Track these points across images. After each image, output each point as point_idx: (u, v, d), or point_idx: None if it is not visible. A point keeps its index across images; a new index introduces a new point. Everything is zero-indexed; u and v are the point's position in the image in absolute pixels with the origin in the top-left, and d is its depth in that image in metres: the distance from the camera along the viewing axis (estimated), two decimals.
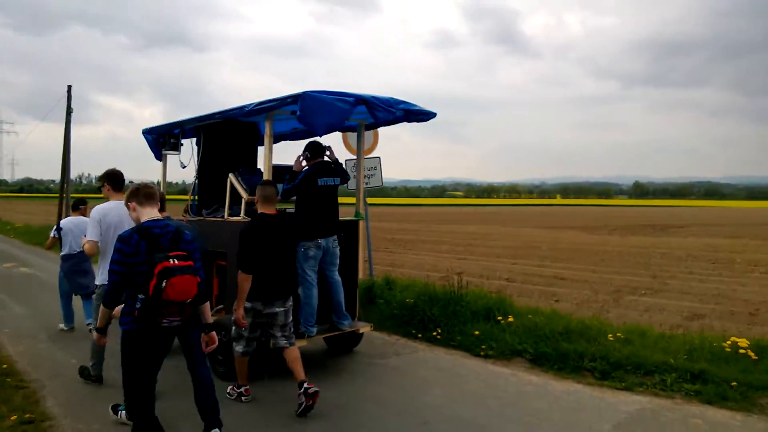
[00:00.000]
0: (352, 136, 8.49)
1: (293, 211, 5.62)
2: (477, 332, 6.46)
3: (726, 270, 14.38)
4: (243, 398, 4.75)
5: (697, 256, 17.72)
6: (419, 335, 6.78)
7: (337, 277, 5.65)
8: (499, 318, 6.82)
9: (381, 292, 8.16)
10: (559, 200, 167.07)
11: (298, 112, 4.86)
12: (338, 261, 5.62)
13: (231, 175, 5.84)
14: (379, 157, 8.78)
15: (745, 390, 4.84)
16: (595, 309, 8.75)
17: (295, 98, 4.88)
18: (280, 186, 5.43)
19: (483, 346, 6.19)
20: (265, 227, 4.62)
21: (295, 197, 5.51)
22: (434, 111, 5.84)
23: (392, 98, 5.44)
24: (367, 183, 8.73)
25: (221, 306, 5.58)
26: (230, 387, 4.85)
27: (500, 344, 6.16)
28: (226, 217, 5.87)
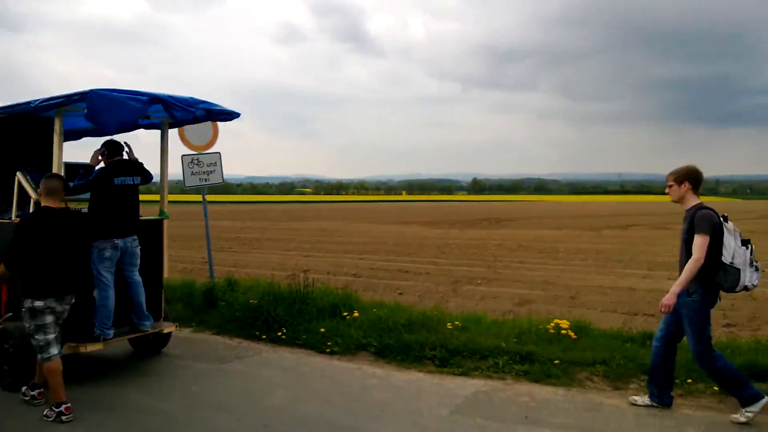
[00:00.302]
0: (190, 130, 8.13)
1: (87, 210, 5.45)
2: (323, 329, 6.49)
3: (551, 258, 15.96)
4: (63, 417, 4.31)
5: (527, 246, 19.47)
6: (263, 336, 6.65)
7: (138, 278, 5.53)
8: (345, 314, 6.92)
9: (223, 294, 7.90)
10: (404, 196, 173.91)
11: (85, 110, 4.71)
12: (139, 261, 5.53)
13: (19, 174, 5.51)
14: (219, 153, 8.52)
15: (566, 367, 5.39)
16: (435, 299, 9.23)
17: (83, 95, 4.70)
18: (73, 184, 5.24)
19: (329, 343, 6.23)
20: (47, 220, 4.47)
21: (88, 195, 5.32)
22: (237, 111, 5.96)
23: (192, 98, 5.46)
24: (206, 180, 8.46)
25: (10, 314, 5.18)
26: (47, 410, 4.38)
27: (345, 340, 6.25)
28: (13, 218, 5.48)
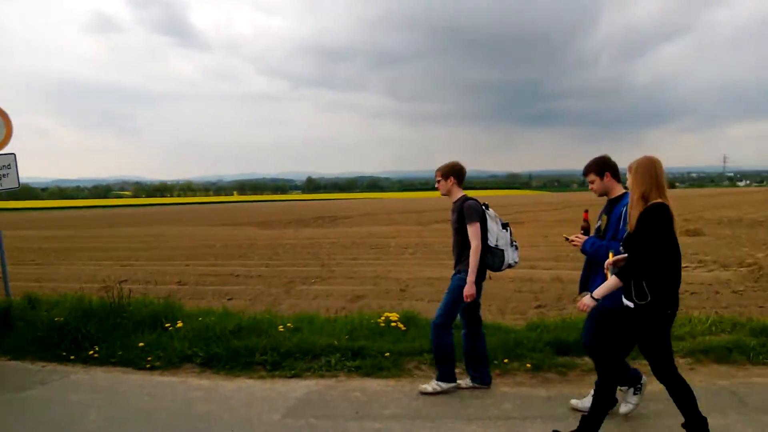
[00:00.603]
0: None
1: None
2: (142, 344, 6.07)
3: (383, 254, 16.55)
4: None
5: (360, 243, 19.99)
6: (72, 357, 6.05)
7: None
8: (167, 325, 6.54)
9: (22, 313, 7.05)
10: (236, 197, 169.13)
11: None
12: None
13: None
14: (14, 154, 7.60)
15: (396, 358, 5.61)
16: (268, 302, 9.12)
17: None
18: None
19: (149, 358, 5.85)
20: None
21: None
22: None
23: None
24: None
25: None
26: None
27: (168, 352, 5.91)
28: None
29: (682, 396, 3.67)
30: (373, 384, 5.15)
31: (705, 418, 3.68)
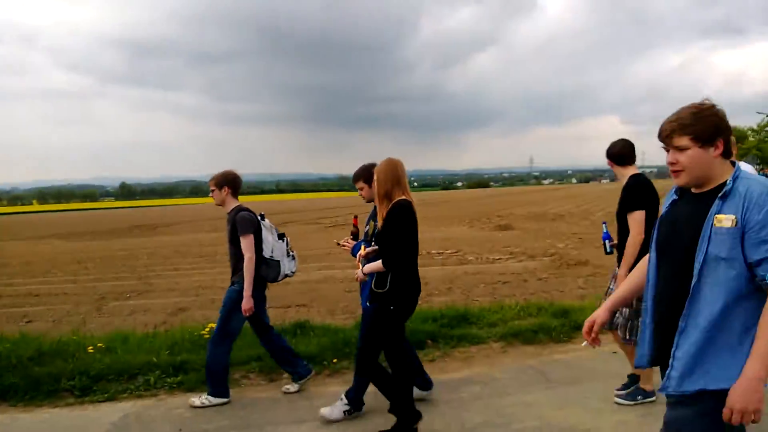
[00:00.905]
0: None
1: None
2: None
3: (208, 262, 15.99)
4: None
5: (184, 252, 19.12)
6: None
7: None
8: None
9: None
10: (36, 206, 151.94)
11: None
12: None
13: None
14: None
15: None
16: (75, 323, 8.38)
17: None
18: None
19: None
20: None
21: None
22: None
23: None
24: None
25: None
26: None
27: None
28: None
29: (384, 385, 4.06)
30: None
31: (413, 402, 4.07)
